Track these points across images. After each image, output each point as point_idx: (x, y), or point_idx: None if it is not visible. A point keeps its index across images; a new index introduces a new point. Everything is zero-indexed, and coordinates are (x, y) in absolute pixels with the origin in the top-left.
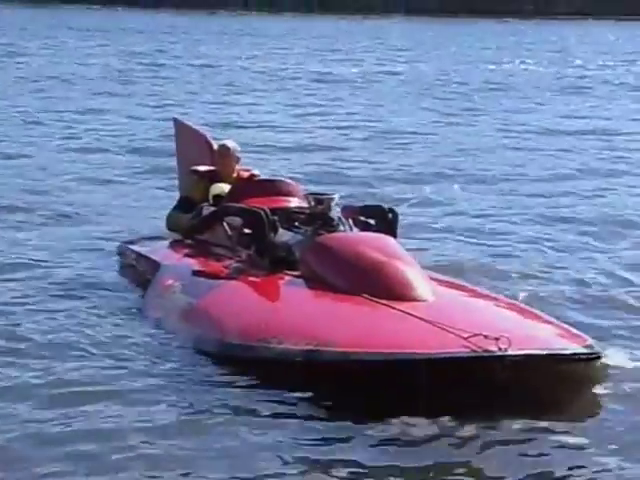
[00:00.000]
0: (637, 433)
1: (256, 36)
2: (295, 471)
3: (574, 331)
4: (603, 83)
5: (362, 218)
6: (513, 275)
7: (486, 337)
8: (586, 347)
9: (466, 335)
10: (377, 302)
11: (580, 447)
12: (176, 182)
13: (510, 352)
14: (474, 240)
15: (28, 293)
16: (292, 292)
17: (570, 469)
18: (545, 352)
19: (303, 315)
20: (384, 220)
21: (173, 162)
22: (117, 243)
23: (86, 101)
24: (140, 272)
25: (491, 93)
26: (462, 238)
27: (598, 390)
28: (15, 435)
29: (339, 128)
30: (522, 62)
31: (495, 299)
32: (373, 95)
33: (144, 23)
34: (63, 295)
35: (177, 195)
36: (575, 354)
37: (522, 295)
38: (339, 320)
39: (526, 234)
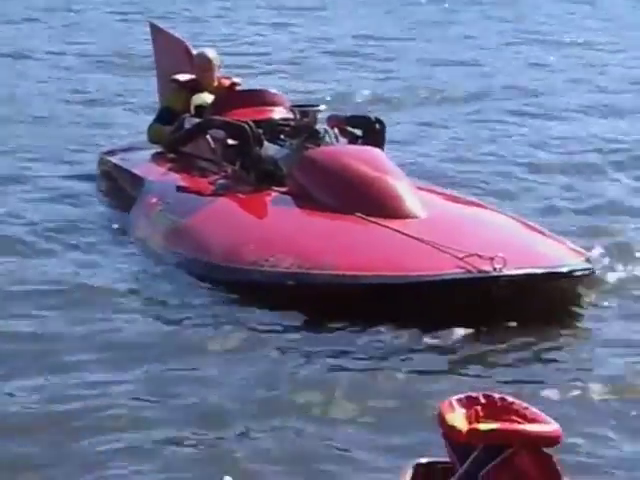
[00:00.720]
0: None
1: None
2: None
3: (570, 245)
4: None
5: (348, 128)
6: (503, 188)
7: (481, 257)
8: (585, 262)
9: (461, 255)
10: (369, 220)
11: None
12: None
13: (505, 272)
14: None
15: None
16: (280, 210)
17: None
18: (542, 270)
19: (293, 235)
20: (371, 131)
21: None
22: (95, 153)
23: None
24: (122, 186)
25: None
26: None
27: (592, 304)
28: None
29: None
30: None
31: (488, 210)
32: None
33: None
34: (40, 209)
35: (157, 104)
36: (573, 270)
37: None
38: (331, 241)
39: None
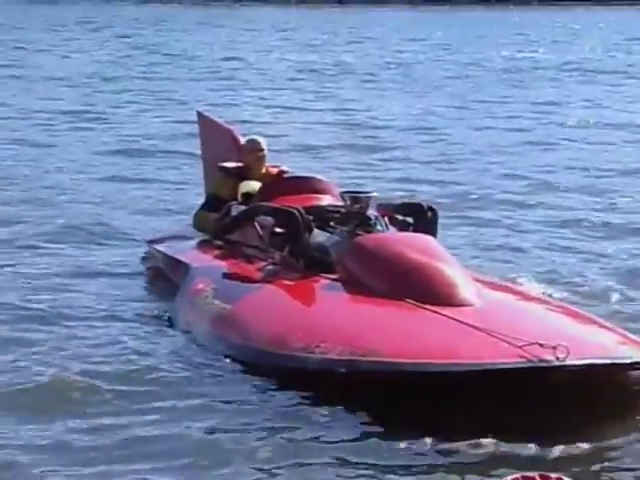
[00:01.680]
0: None
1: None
2: None
3: (631, 336)
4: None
5: (399, 217)
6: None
7: (542, 346)
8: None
9: (520, 344)
10: (421, 307)
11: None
12: (200, 180)
13: (569, 362)
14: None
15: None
16: (330, 297)
17: None
18: (607, 361)
19: (344, 322)
20: (423, 219)
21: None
22: (142, 243)
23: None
24: (167, 274)
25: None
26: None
27: None
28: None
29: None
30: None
31: (545, 302)
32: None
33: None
34: (87, 303)
35: (202, 193)
36: (637, 362)
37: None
38: (382, 327)
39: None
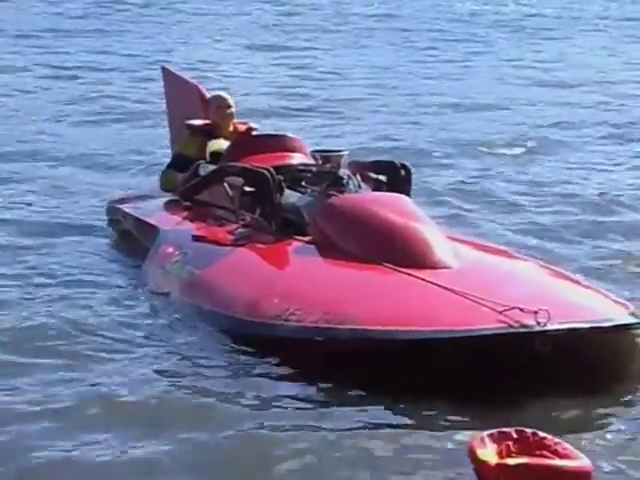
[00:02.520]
0: None
1: None
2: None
3: (614, 297)
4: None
5: (372, 175)
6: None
7: (522, 310)
8: (631, 315)
9: (500, 309)
10: (398, 271)
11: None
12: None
13: (550, 326)
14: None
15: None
16: (304, 261)
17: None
18: (589, 325)
19: (319, 288)
20: (396, 177)
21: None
22: (104, 202)
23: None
24: (134, 236)
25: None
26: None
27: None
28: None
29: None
30: None
31: (524, 261)
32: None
33: None
34: (46, 260)
35: (168, 152)
36: (622, 325)
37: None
38: (359, 293)
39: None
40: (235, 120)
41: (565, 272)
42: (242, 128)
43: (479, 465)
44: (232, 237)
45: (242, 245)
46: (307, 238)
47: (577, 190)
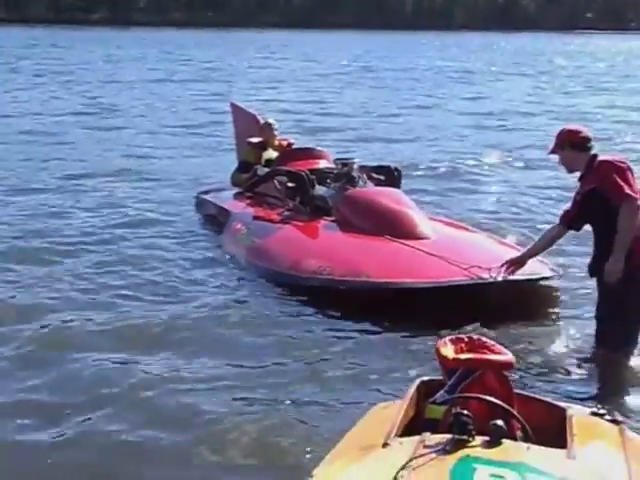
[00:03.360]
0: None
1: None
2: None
3: (539, 259)
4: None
5: (374, 175)
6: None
7: (480, 268)
8: (551, 270)
9: (465, 266)
10: (396, 240)
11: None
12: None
13: (499, 278)
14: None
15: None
16: (331, 234)
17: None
18: (524, 277)
19: (342, 251)
20: (391, 177)
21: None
22: (194, 193)
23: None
24: (214, 216)
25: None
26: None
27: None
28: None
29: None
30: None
31: (479, 234)
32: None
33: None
34: (154, 233)
35: (234, 160)
36: (545, 277)
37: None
38: (370, 256)
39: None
40: (279, 137)
41: (506, 241)
42: (284, 143)
43: (442, 359)
44: (280, 217)
45: (288, 222)
46: (331, 218)
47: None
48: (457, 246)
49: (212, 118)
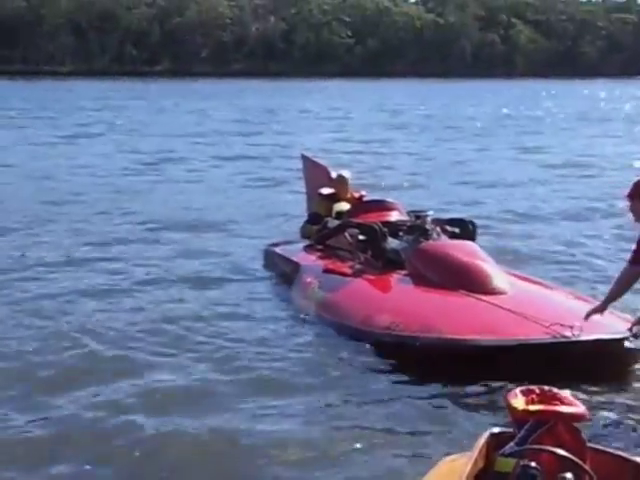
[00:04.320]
0: None
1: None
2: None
3: (619, 314)
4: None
5: (448, 228)
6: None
7: (562, 325)
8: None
9: (546, 324)
10: (471, 296)
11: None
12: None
13: (582, 337)
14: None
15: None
16: (404, 287)
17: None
18: (609, 336)
19: (415, 306)
20: (466, 230)
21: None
22: (262, 246)
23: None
24: (283, 269)
25: None
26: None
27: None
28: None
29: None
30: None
31: (557, 289)
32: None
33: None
34: (223, 286)
35: (304, 212)
36: (627, 337)
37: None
38: (444, 311)
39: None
40: (351, 189)
41: (582, 295)
42: (356, 195)
43: (512, 410)
44: (352, 270)
45: (359, 276)
46: (404, 272)
47: None
48: (535, 302)
49: (282, 170)
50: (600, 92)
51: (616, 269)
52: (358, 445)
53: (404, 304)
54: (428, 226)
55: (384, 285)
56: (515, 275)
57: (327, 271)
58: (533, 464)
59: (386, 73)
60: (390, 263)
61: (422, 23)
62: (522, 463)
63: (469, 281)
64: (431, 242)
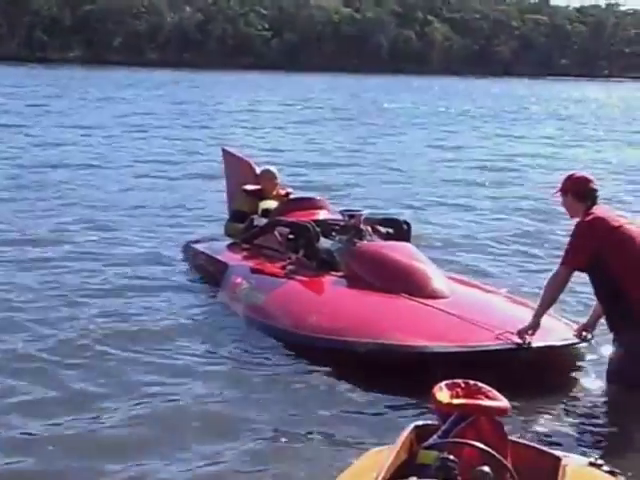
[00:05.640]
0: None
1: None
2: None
3: (565, 321)
4: None
5: (381, 228)
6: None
7: (511, 332)
8: (579, 335)
9: (497, 330)
10: (414, 300)
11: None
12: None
13: (534, 344)
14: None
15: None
16: (344, 290)
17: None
18: (560, 342)
19: (360, 311)
20: (400, 230)
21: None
22: (181, 244)
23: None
24: (207, 268)
25: None
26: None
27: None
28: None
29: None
30: None
31: (496, 293)
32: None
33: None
34: (138, 284)
35: (224, 210)
36: (577, 342)
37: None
38: (390, 316)
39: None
40: (278, 186)
41: (519, 298)
42: (282, 192)
43: (436, 404)
44: (284, 271)
45: (293, 277)
46: (340, 273)
47: None
48: (478, 307)
49: (197, 163)
50: (513, 91)
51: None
52: (283, 440)
53: (344, 308)
54: (362, 226)
55: (320, 287)
56: (452, 278)
57: (258, 271)
58: (451, 457)
59: (303, 67)
60: (324, 264)
61: (340, 17)
62: (441, 456)
63: (410, 284)
64: (368, 243)
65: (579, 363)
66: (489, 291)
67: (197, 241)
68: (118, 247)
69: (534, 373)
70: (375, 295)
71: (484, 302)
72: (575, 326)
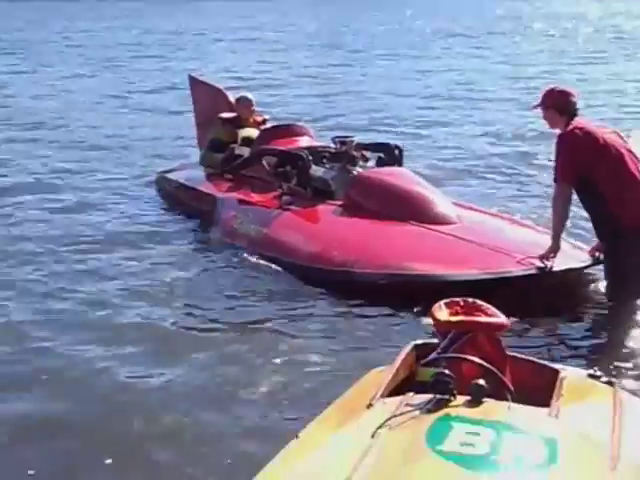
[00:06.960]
0: None
1: None
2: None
3: (576, 243)
4: None
5: (372, 153)
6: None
7: (531, 257)
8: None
9: (516, 255)
10: (424, 227)
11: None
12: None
13: (555, 268)
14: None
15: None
16: (346, 220)
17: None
18: (579, 265)
19: (369, 241)
20: (392, 155)
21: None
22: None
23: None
24: (183, 200)
25: None
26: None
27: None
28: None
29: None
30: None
31: (501, 217)
32: None
33: None
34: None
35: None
36: (593, 263)
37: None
38: (406, 245)
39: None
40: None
41: (526, 222)
42: (259, 119)
43: (435, 322)
44: (279, 201)
45: (291, 207)
46: (338, 202)
47: None
48: (489, 231)
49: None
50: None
51: None
52: (289, 363)
53: (355, 238)
54: (354, 152)
55: (323, 217)
56: (460, 205)
57: (251, 203)
58: (446, 371)
59: None
60: (319, 192)
61: None
62: (436, 371)
63: (418, 210)
64: (368, 170)
65: (581, 282)
66: (494, 215)
67: (169, 171)
68: (90, 189)
69: (548, 295)
70: (383, 224)
71: (494, 226)
72: (586, 247)
